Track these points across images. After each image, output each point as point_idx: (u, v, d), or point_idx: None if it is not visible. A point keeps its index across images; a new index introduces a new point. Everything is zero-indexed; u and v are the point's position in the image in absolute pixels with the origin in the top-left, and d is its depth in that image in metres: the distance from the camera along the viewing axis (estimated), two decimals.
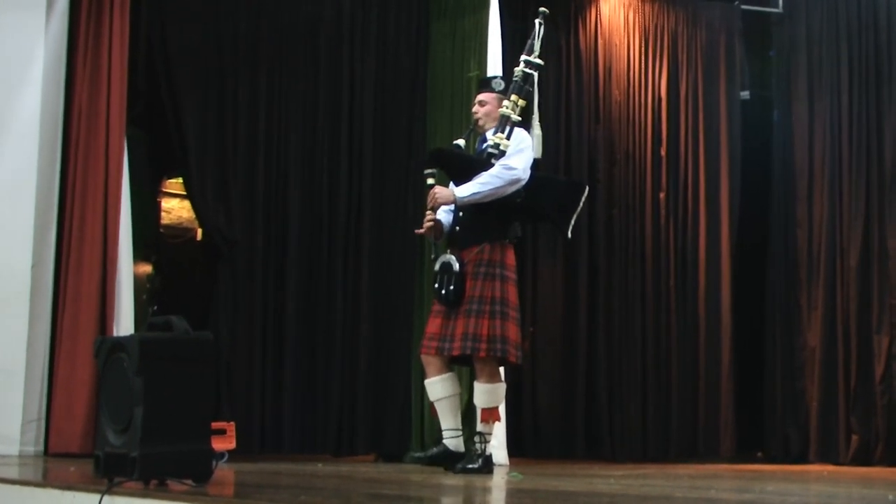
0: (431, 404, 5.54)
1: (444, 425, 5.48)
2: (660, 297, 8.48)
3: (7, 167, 6.41)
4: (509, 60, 6.98)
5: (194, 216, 7.91)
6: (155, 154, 8.52)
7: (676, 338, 8.51)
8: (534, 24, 5.65)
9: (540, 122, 5.59)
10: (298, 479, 4.52)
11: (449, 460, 5.39)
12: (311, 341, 7.22)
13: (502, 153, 5.37)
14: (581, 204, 5.60)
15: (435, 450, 5.53)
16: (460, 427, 5.54)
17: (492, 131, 5.50)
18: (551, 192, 5.62)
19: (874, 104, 8.42)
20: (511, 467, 6.40)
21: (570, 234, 5.65)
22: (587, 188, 5.77)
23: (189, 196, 7.50)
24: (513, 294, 5.39)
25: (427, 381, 5.49)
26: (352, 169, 7.44)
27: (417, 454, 5.63)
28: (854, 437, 8.12)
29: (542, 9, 5.64)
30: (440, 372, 5.43)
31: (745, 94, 8.98)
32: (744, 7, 9.00)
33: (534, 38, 5.59)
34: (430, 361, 5.45)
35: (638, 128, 8.56)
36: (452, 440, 5.44)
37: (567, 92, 8.35)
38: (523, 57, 5.58)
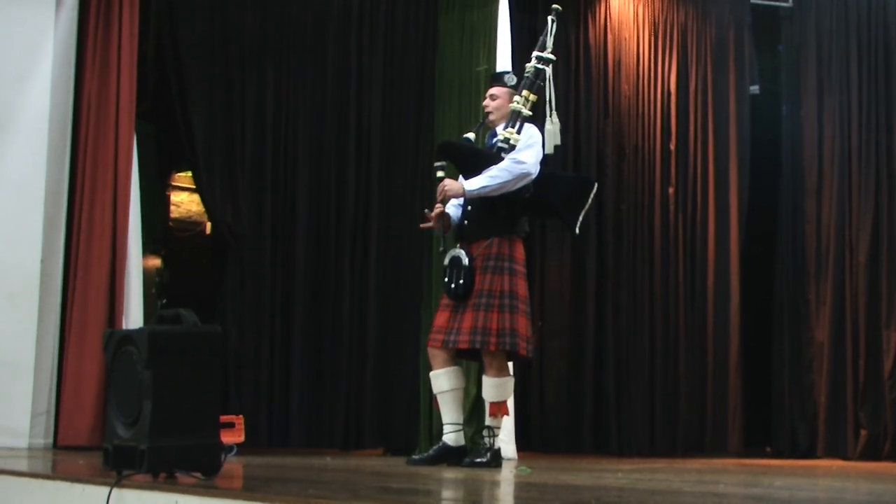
0: (434, 397, 5.54)
1: (445, 419, 5.48)
2: (668, 291, 8.49)
3: (16, 162, 6.41)
4: (518, 54, 6.98)
5: (203, 210, 7.92)
6: (164, 148, 8.54)
7: (684, 332, 8.51)
8: (545, 19, 5.65)
9: (557, 112, 5.57)
10: (307, 472, 4.52)
11: (448, 456, 5.39)
12: (319, 334, 7.22)
13: (512, 147, 5.37)
14: (590, 201, 5.59)
15: (432, 451, 5.52)
16: (461, 421, 5.53)
17: (502, 126, 5.50)
18: (560, 188, 5.62)
19: (883, 99, 8.41)
20: (519, 461, 6.40)
21: (578, 231, 5.64)
22: (596, 185, 5.77)
23: (198, 190, 7.51)
24: (522, 288, 5.38)
25: (431, 374, 5.50)
26: (360, 163, 7.44)
27: (416, 457, 5.61)
28: (862, 433, 8.11)
29: (555, 6, 5.63)
30: (445, 365, 5.43)
31: (755, 89, 8.98)
32: (753, 1, 8.99)
33: (546, 35, 5.59)
34: (435, 354, 5.45)
35: (647, 122, 8.56)
36: (452, 434, 5.43)
37: (576, 86, 8.35)
38: (535, 53, 5.58)
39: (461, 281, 5.30)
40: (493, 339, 5.25)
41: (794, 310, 8.64)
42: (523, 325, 5.33)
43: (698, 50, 8.78)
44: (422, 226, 5.69)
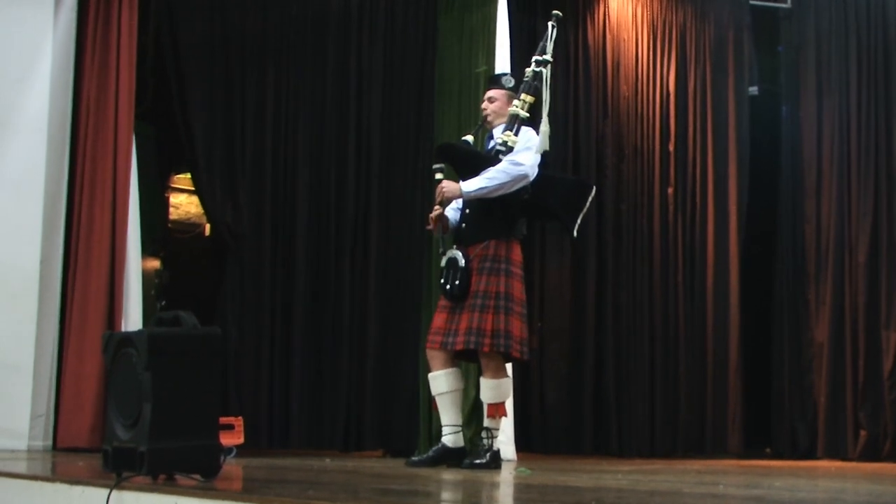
0: (433, 398, 5.54)
1: (444, 420, 5.48)
2: (668, 292, 8.49)
3: (15, 162, 6.41)
4: (517, 55, 6.98)
5: (202, 211, 7.91)
6: (163, 149, 8.53)
7: (684, 333, 8.51)
8: (544, 21, 5.65)
9: (549, 117, 5.54)
10: (306, 474, 4.52)
11: (448, 458, 5.39)
12: (318, 336, 7.22)
13: (510, 150, 5.37)
14: (588, 203, 5.59)
15: (432, 452, 5.52)
16: (460, 423, 5.53)
17: (500, 129, 5.50)
18: (559, 191, 5.62)
19: (883, 99, 8.42)
20: (519, 462, 6.40)
21: (576, 234, 5.64)
22: (594, 188, 5.77)
23: (197, 191, 7.50)
24: (518, 290, 5.38)
25: (430, 375, 5.50)
26: (359, 164, 7.44)
27: (415, 458, 5.61)
28: (862, 433, 8.12)
29: (555, 12, 5.63)
30: (444, 366, 5.43)
31: (754, 90, 8.98)
32: (752, 2, 9.00)
33: (546, 40, 5.58)
34: (434, 356, 5.46)
35: (646, 123, 8.56)
36: (451, 436, 5.43)
37: (575, 87, 8.35)
38: (535, 57, 5.57)
39: (457, 282, 5.30)
40: (487, 341, 5.25)
41: (793, 310, 8.64)
42: (518, 326, 5.32)
43: (697, 51, 8.78)
44: (427, 227, 5.67)
